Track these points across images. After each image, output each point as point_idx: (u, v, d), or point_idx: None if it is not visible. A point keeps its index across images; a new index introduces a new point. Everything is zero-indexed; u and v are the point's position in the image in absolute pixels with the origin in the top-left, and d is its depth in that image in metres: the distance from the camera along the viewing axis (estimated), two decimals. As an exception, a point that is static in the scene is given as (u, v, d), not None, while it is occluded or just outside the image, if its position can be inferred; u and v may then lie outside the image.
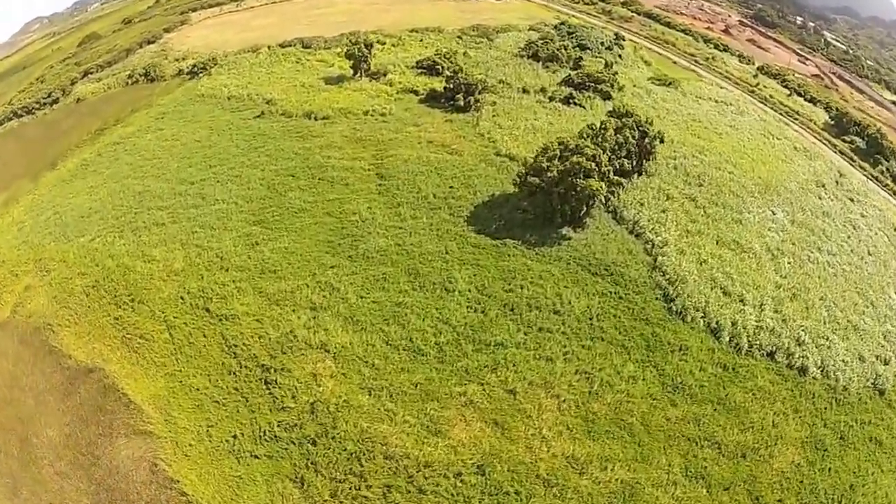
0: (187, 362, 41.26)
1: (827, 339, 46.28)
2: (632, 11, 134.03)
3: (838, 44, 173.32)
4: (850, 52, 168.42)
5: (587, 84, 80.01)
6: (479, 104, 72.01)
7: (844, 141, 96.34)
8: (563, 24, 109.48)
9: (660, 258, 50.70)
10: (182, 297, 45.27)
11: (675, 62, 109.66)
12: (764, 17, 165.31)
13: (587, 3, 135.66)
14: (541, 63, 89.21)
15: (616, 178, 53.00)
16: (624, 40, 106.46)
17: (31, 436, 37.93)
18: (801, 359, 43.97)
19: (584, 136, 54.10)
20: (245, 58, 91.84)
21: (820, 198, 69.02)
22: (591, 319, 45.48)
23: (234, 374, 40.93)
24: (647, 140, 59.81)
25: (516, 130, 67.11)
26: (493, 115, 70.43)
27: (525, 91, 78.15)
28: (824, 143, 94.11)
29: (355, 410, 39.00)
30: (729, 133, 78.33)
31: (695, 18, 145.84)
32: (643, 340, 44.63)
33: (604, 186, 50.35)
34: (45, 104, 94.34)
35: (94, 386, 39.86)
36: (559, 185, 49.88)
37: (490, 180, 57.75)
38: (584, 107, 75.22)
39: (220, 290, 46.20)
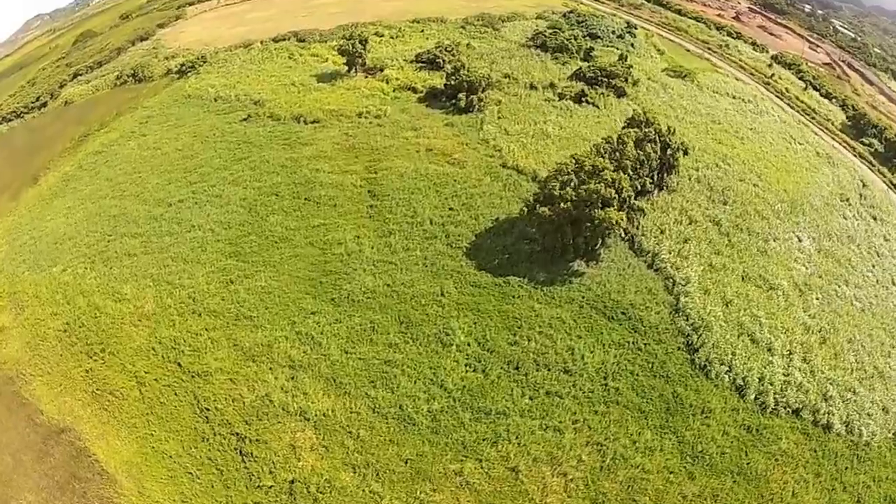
0: (159, 424, 35.53)
1: (853, 390, 40.02)
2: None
3: (846, 31, 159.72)
4: (858, 39, 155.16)
5: (600, 78, 69.52)
6: (482, 104, 61.92)
7: (863, 143, 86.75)
8: (571, 12, 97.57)
9: (682, 299, 42.04)
10: (153, 348, 39.08)
11: (687, 50, 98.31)
12: (773, 5, 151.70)
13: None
14: (549, 54, 78.24)
15: (637, 203, 43.56)
16: (636, 28, 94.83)
17: (11, 499, 34.06)
18: (827, 415, 37.93)
19: (602, 152, 44.43)
20: (236, 54, 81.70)
21: (845, 217, 60.22)
22: (605, 378, 37.18)
23: (208, 440, 34.47)
24: (669, 152, 50.10)
25: (524, 136, 57.19)
26: (499, 117, 60.40)
27: (533, 87, 67.80)
28: (843, 146, 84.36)
29: (338, 492, 31.92)
30: (751, 137, 68.22)
31: (705, 5, 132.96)
32: (663, 403, 36.64)
33: (624, 218, 41.07)
34: (33, 108, 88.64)
35: (67, 449, 35.28)
36: (573, 216, 40.61)
37: (494, 200, 48.35)
38: (597, 106, 64.99)
39: (193, 341, 39.15)
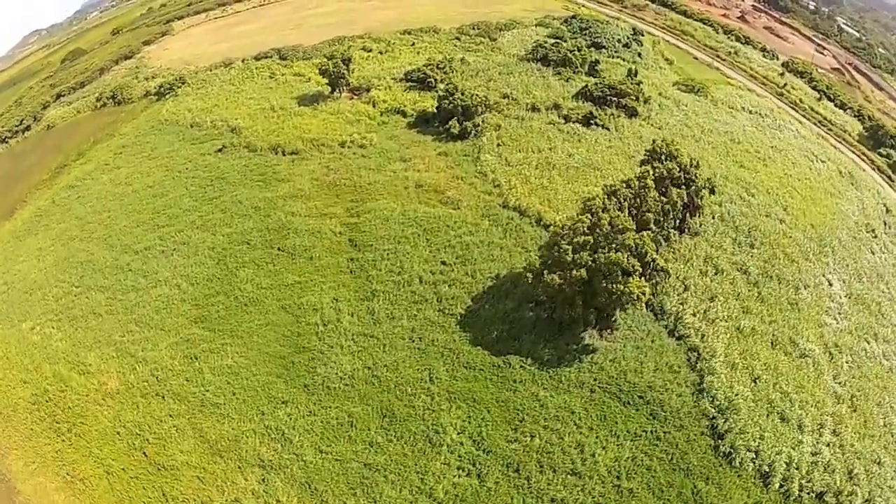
0: (130, 523, 30.66)
1: (879, 461, 35.18)
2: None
3: (851, 30, 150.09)
4: (864, 39, 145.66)
5: (608, 97, 60.59)
6: (479, 129, 53.50)
7: (881, 155, 79.12)
8: (573, 17, 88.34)
9: (707, 377, 34.40)
10: (118, 432, 34.41)
11: (696, 58, 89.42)
12: (777, 2, 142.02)
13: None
14: (551, 68, 69.13)
15: (662, 263, 35.28)
16: (642, 36, 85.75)
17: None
18: (850, 496, 32.72)
19: (620, 199, 36.06)
20: (216, 74, 73.91)
21: (872, 252, 53.43)
22: (618, 479, 29.88)
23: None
24: (692, 188, 41.84)
25: (527, 167, 48.52)
26: (498, 144, 51.77)
27: (535, 108, 58.95)
28: (862, 159, 76.34)
29: None
30: (772, 157, 59.78)
31: (709, 4, 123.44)
32: (681, 503, 29.55)
33: (647, 290, 32.89)
34: (17, 132, 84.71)
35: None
36: (588, 287, 32.50)
37: (493, 250, 40.13)
38: (607, 128, 55.99)
39: (157, 428, 33.81)
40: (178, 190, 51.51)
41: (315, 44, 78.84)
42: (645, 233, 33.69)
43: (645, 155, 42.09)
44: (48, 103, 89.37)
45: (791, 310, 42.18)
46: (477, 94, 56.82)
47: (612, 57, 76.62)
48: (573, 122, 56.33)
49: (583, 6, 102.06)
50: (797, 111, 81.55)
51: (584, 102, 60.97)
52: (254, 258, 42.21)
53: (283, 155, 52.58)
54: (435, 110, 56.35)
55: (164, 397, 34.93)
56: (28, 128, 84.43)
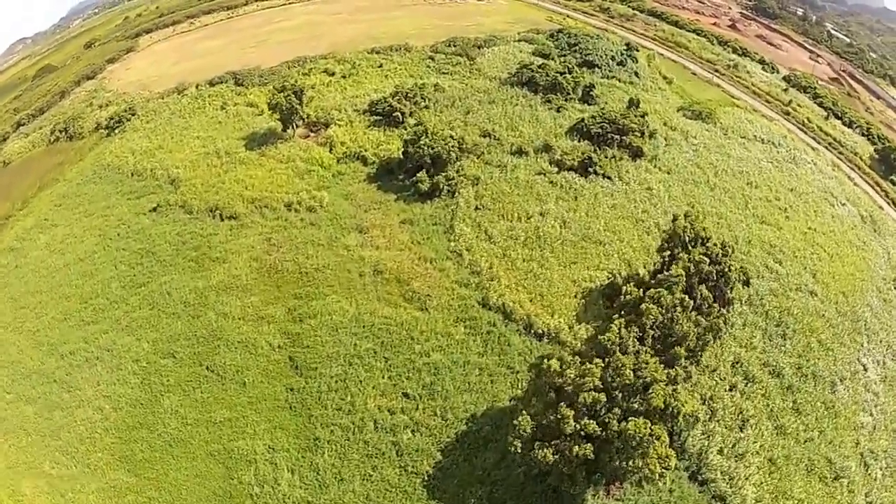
0: None
1: None
2: (632, 8, 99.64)
3: (840, 35, 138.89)
4: (854, 44, 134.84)
5: (609, 134, 48.75)
6: (453, 184, 41.94)
7: (893, 183, 69.28)
8: (560, 31, 75.98)
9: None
10: None
11: (694, 73, 77.57)
12: (765, 9, 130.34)
13: (581, 0, 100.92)
14: (539, 94, 56.95)
15: (692, 407, 24.23)
16: (637, 51, 73.73)
17: None
18: None
19: (642, 316, 24.79)
20: (166, 104, 63.01)
21: None
22: None
23: None
24: (722, 279, 30.67)
25: (512, 244, 36.67)
26: (476, 208, 40.07)
27: (521, 152, 47.03)
28: (877, 191, 66.21)
29: None
30: (793, 206, 48.68)
31: (698, 13, 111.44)
32: None
33: (673, 460, 21.88)
34: None
35: None
36: (595, 462, 21.40)
37: (471, 374, 29.00)
38: (609, 177, 44.32)
39: None
40: (108, 269, 42.48)
41: (274, 65, 66.25)
42: (680, 387, 22.49)
43: (664, 237, 30.80)
44: (8, 134, 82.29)
45: (828, 416, 34.62)
46: (451, 136, 44.91)
47: (608, 77, 64.59)
48: (568, 170, 44.50)
49: (567, 17, 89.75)
50: (806, 132, 70.91)
51: (579, 141, 49.16)
52: (179, 379, 32.07)
53: (221, 220, 41.29)
54: (401, 155, 44.62)
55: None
56: (-15, 162, 75.69)
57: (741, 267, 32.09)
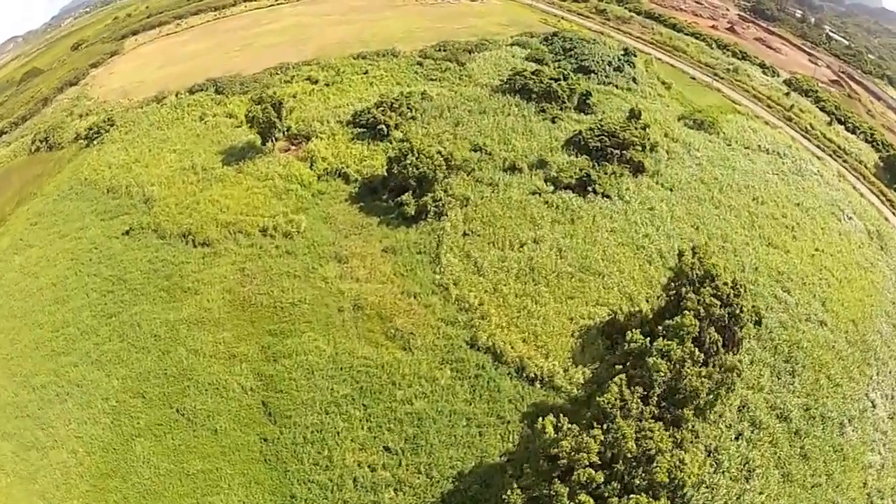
0: None
1: None
2: (629, 10, 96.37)
3: (839, 37, 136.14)
4: (852, 46, 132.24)
5: (608, 149, 45.73)
6: (440, 205, 38.95)
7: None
8: (555, 35, 72.73)
9: None
10: None
11: (693, 78, 74.62)
12: (763, 11, 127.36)
13: (577, 1, 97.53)
14: (533, 103, 53.73)
15: (697, 475, 21.42)
16: (635, 56, 70.64)
17: None
18: None
19: (642, 369, 21.97)
20: (145, 114, 60.13)
21: None
22: None
23: None
24: (733, 320, 27.84)
25: (504, 277, 33.57)
26: (465, 234, 36.98)
27: (514, 168, 43.95)
28: (882, 201, 63.59)
29: None
30: (801, 223, 45.88)
31: (695, 15, 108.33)
32: None
33: None
34: None
35: None
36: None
37: (457, 424, 26.22)
38: (609, 196, 41.37)
39: None
40: (80, 296, 39.76)
41: (256, 72, 62.94)
42: (686, 454, 19.66)
43: (671, 276, 27.87)
44: (-11, 144, 78.97)
45: (836, 458, 32.26)
46: (439, 153, 41.81)
47: (604, 84, 61.52)
48: (564, 190, 41.40)
49: (562, 19, 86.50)
50: (809, 139, 68.23)
51: (577, 155, 46.08)
52: (150, 422, 29.78)
53: (194, 246, 38.38)
54: (385, 173, 41.61)
55: None
56: (-34, 175, 72.68)
57: (753, 306, 29.18)
